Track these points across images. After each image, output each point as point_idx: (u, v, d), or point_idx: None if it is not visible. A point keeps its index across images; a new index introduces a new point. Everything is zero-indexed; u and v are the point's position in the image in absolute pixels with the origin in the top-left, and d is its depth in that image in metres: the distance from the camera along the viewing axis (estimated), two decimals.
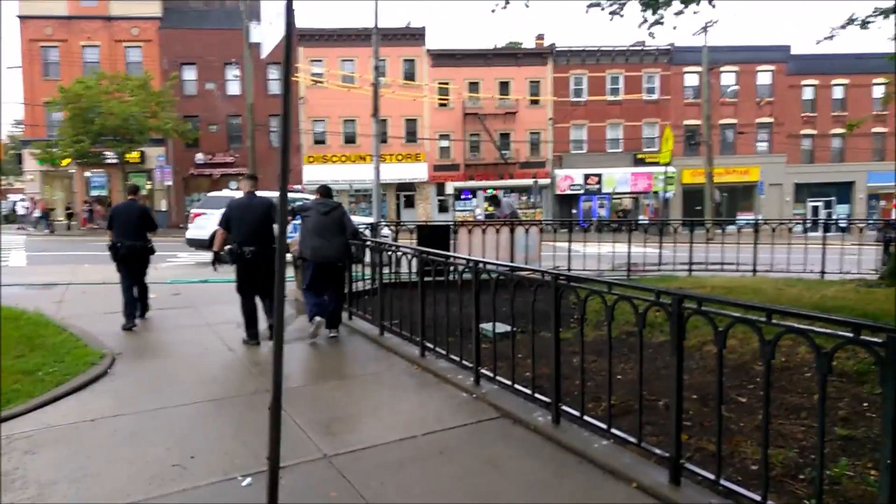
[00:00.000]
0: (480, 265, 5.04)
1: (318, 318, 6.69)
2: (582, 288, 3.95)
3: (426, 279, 5.78)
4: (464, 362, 5.19)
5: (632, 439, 3.59)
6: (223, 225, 6.64)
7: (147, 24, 34.15)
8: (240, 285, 6.62)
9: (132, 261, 7.49)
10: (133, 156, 31.88)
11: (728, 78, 38.51)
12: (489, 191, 37.60)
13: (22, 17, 33.10)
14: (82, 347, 6.09)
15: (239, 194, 13.21)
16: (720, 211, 36.49)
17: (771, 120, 39.33)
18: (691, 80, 38.67)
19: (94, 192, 34.08)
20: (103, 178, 33.94)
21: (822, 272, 11.65)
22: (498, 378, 4.76)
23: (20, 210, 34.36)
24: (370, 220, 18.24)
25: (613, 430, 3.71)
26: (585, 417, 3.93)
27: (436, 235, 10.03)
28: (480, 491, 3.39)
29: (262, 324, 6.70)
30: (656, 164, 33.56)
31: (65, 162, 31.35)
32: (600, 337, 6.15)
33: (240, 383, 5.29)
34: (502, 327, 5.75)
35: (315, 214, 6.70)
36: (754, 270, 11.89)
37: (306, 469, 3.66)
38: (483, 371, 4.93)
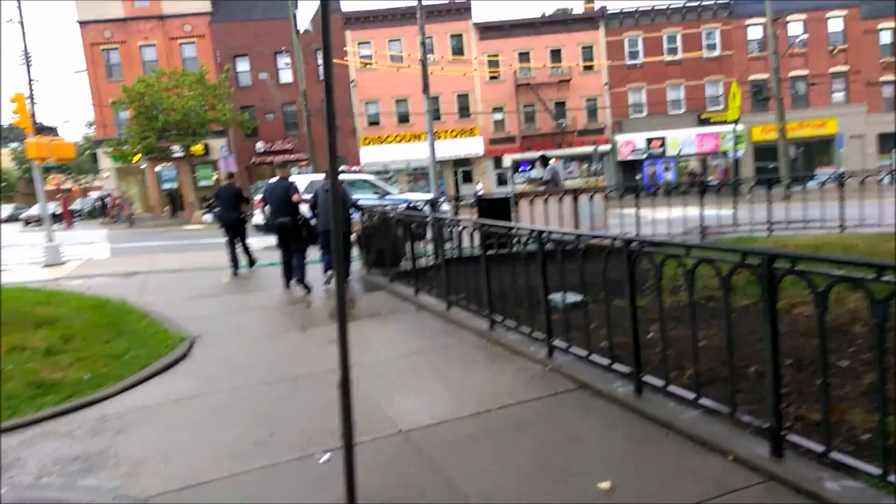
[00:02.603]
0: (545, 234, 4.85)
1: (330, 271, 8.41)
2: (657, 252, 3.71)
3: (489, 252, 5.66)
4: (534, 334, 5.04)
5: (723, 409, 3.36)
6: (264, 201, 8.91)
7: (198, 19, 35.09)
8: (278, 245, 8.79)
9: (232, 227, 10.27)
10: (197, 148, 33.06)
11: (795, 28, 35.98)
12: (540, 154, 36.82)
13: (82, 23, 34.56)
14: (163, 332, 6.34)
15: (300, 178, 14.37)
16: (795, 167, 34.38)
17: (846, 69, 36.62)
18: (755, 32, 36.40)
19: (166, 186, 35.62)
20: (173, 172, 35.43)
21: None
22: (572, 349, 4.58)
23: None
24: (429, 196, 18.17)
25: (702, 401, 3.49)
26: (670, 387, 3.71)
27: (496, 208, 9.81)
28: (561, 465, 3.26)
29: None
30: (722, 122, 31.93)
31: (135, 158, 32.89)
32: (677, 303, 5.87)
33: (313, 361, 5.35)
34: (572, 297, 5.56)
35: (322, 194, 8.37)
36: (842, 227, 11.08)
37: (383, 444, 3.64)
38: (555, 343, 4.77)
